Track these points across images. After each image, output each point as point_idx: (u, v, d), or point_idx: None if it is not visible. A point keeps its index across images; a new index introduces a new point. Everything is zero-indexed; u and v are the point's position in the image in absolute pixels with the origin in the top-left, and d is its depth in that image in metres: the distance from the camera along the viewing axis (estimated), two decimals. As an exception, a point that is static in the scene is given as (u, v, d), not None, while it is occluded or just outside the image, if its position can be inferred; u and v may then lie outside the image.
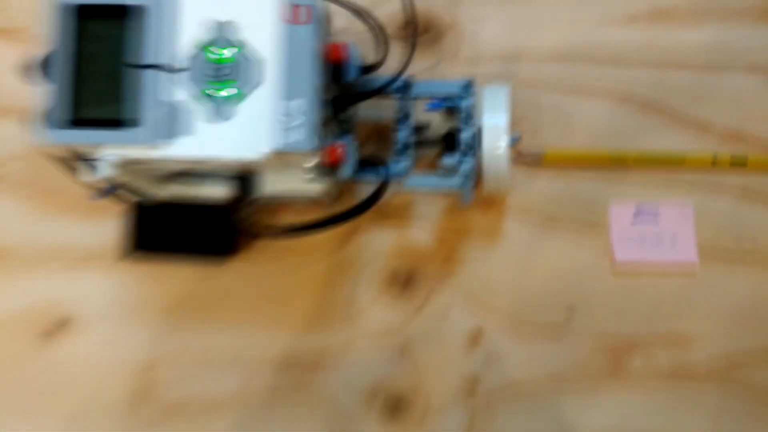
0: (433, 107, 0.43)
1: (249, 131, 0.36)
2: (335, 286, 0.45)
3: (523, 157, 0.46)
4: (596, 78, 0.47)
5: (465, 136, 0.42)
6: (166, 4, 0.36)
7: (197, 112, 0.36)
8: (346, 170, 0.40)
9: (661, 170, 0.46)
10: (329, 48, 0.38)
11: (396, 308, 0.45)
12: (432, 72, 0.47)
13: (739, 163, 0.46)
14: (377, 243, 0.46)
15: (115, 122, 0.35)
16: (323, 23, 0.38)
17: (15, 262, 0.45)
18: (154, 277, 0.45)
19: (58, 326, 0.45)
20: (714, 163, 0.46)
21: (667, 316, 0.45)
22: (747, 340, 0.45)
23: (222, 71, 0.36)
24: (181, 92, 0.36)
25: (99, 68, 0.36)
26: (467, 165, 0.41)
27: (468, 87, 0.42)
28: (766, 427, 0.44)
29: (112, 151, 0.36)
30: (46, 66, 0.36)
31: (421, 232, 0.46)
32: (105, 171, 0.36)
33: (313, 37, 0.36)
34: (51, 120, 0.35)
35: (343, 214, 0.41)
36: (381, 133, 0.46)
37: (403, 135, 0.42)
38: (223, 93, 0.36)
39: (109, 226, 0.45)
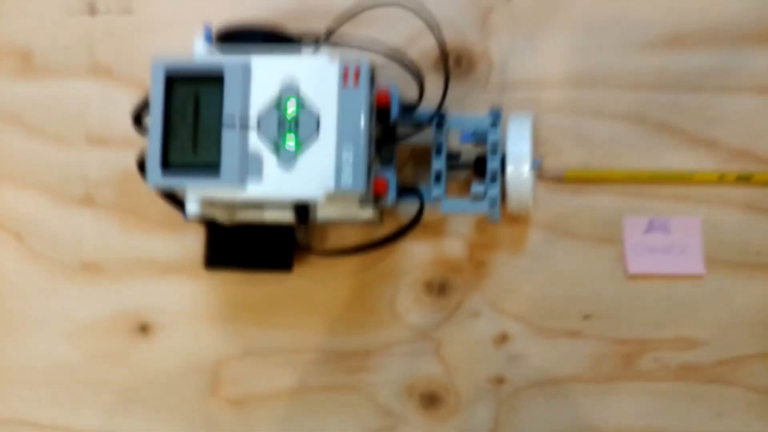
0: (465, 140, 0.48)
1: (309, 176, 0.43)
2: (377, 294, 0.51)
3: (546, 175, 0.51)
4: (614, 101, 0.51)
5: (492, 165, 0.47)
6: (240, 71, 0.42)
7: (266, 160, 0.43)
8: (389, 198, 0.46)
9: (672, 186, 0.50)
10: (376, 94, 0.44)
11: (430, 313, 0.51)
12: (464, 100, 0.52)
13: (744, 179, 0.49)
14: (415, 255, 0.51)
15: (200, 168, 0.42)
16: (372, 78, 0.43)
17: (105, 273, 0.52)
18: (222, 288, 0.52)
19: (141, 329, 0.52)
20: (721, 179, 0.50)
21: (676, 321, 0.50)
22: (750, 345, 0.49)
23: (286, 125, 0.43)
24: (253, 143, 0.43)
25: (186, 123, 0.43)
26: (494, 191, 0.47)
27: (495, 121, 0.47)
28: (766, 427, 0.48)
29: (197, 192, 0.43)
30: (138, 117, 0.44)
31: (453, 245, 0.51)
32: (192, 207, 0.43)
33: (363, 95, 0.42)
34: (150, 164, 0.43)
35: (387, 238, 0.47)
36: (418, 156, 0.52)
37: (437, 165, 0.48)
38: (288, 144, 0.43)
39: (185, 242, 0.52)
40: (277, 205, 0.46)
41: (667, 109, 0.51)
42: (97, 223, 0.52)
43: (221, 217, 0.46)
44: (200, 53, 0.44)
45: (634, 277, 0.50)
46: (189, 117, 0.43)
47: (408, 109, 0.48)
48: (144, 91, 0.51)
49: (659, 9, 0.51)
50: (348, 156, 0.42)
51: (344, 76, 0.43)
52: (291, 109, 0.43)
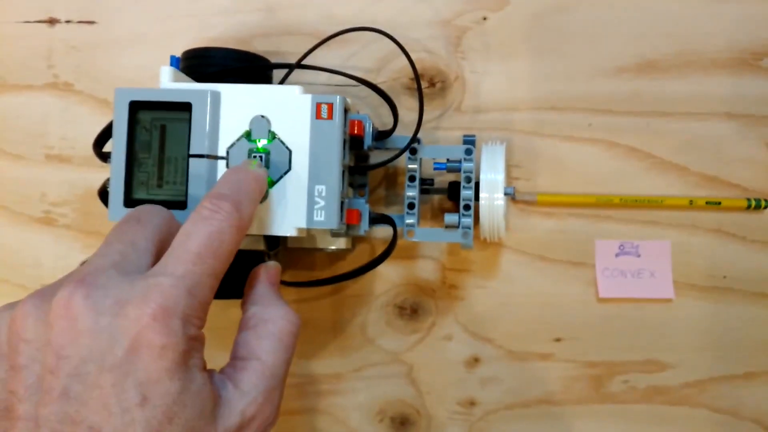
0: (438, 168, 0.47)
1: (280, 211, 0.41)
2: (349, 317, 0.51)
3: (519, 199, 0.51)
4: (586, 126, 0.51)
5: (465, 194, 0.46)
6: (209, 99, 0.40)
7: None
8: (362, 227, 0.45)
9: (643, 210, 0.51)
10: (350, 124, 0.43)
11: (402, 336, 0.51)
12: (437, 121, 0.51)
13: (713, 205, 0.50)
14: (387, 278, 0.51)
15: (166, 203, 0.40)
16: (345, 112, 0.42)
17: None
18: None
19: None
20: (690, 205, 0.50)
21: (645, 345, 0.50)
22: (715, 368, 0.50)
23: (256, 159, 0.41)
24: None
25: (151, 155, 0.40)
26: (467, 220, 0.46)
27: (468, 151, 0.47)
28: (730, 445, 0.50)
29: None
30: (99, 145, 0.42)
31: (425, 268, 0.51)
32: None
33: (336, 130, 0.41)
34: (112, 200, 0.40)
35: (359, 269, 0.46)
36: (390, 179, 0.51)
37: (410, 193, 0.47)
38: None
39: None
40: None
41: (638, 134, 0.51)
42: (56, 243, 0.51)
43: None
44: (167, 80, 0.42)
45: (605, 300, 0.50)
46: (154, 148, 0.40)
47: (382, 134, 0.47)
48: (107, 108, 0.49)
49: (631, 34, 0.51)
50: (321, 191, 0.41)
51: (317, 111, 0.41)
52: (262, 142, 0.41)
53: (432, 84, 0.51)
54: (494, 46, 0.51)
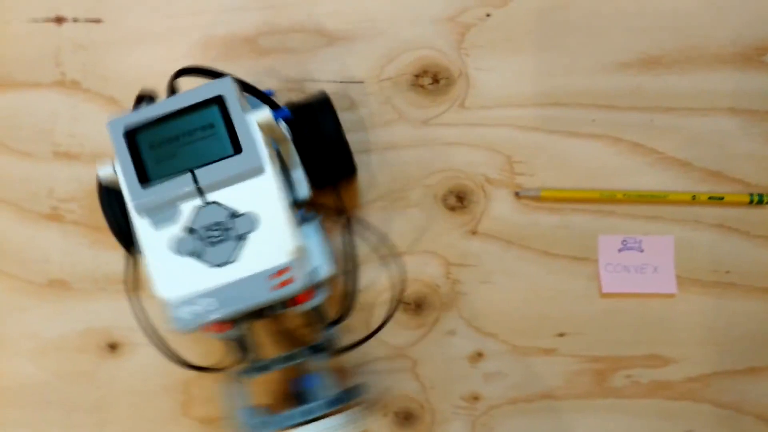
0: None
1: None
2: (355, 313, 0.51)
3: (523, 195, 0.51)
4: (590, 121, 0.51)
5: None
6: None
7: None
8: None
9: (646, 205, 0.51)
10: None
11: (406, 331, 0.51)
12: (442, 117, 0.51)
13: (716, 200, 0.50)
14: (392, 274, 0.51)
15: None
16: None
17: (73, 291, 0.51)
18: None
19: (110, 348, 0.51)
20: (694, 200, 0.50)
21: (648, 339, 0.50)
22: (719, 362, 0.50)
23: (215, 232, 0.40)
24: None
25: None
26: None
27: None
28: (733, 439, 0.50)
29: None
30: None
31: (429, 263, 0.51)
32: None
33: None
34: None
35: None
36: None
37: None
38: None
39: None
40: None
41: (641, 130, 0.51)
42: (64, 239, 0.51)
43: None
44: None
45: (608, 295, 0.51)
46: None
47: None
48: (114, 106, 0.50)
49: (634, 30, 0.51)
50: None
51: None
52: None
53: (436, 80, 0.51)
54: (498, 42, 0.51)
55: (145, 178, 0.40)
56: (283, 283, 0.40)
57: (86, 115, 0.51)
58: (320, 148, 0.45)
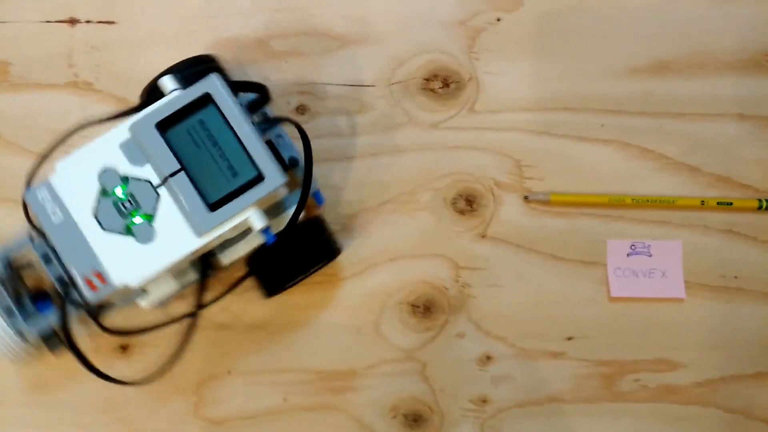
0: None
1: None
2: (362, 314, 0.51)
3: (532, 199, 0.51)
4: (599, 126, 0.52)
5: None
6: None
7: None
8: None
9: (655, 210, 0.51)
10: None
11: (415, 334, 0.51)
12: (452, 121, 0.52)
13: (725, 205, 0.51)
14: (400, 276, 0.51)
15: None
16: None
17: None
18: (204, 307, 0.51)
19: (122, 349, 0.51)
20: (702, 205, 0.51)
21: (656, 344, 0.51)
22: (727, 367, 0.50)
23: (125, 207, 0.42)
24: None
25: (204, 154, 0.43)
26: None
27: None
28: (741, 445, 0.50)
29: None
30: None
31: (438, 266, 0.51)
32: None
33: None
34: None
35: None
36: None
37: None
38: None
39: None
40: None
41: (650, 135, 0.51)
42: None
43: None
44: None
45: (617, 299, 0.51)
46: (204, 146, 0.43)
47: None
48: (127, 107, 0.50)
49: (643, 35, 0.52)
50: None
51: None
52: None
53: (446, 84, 0.52)
54: (508, 46, 0.52)
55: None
56: (93, 286, 0.42)
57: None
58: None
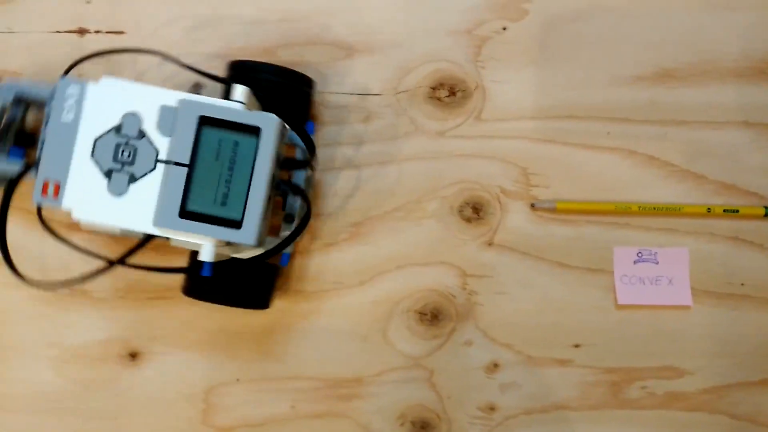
0: None
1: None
2: (370, 322, 0.51)
3: (538, 207, 0.51)
4: (605, 134, 0.52)
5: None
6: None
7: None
8: None
9: (661, 218, 0.51)
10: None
11: (423, 342, 0.51)
12: (459, 130, 0.52)
13: (731, 212, 0.51)
14: (408, 284, 0.51)
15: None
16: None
17: (94, 299, 0.51)
18: (214, 315, 0.51)
19: (131, 356, 0.51)
20: (708, 212, 0.51)
21: (663, 351, 0.51)
22: (734, 374, 0.51)
23: (121, 154, 0.43)
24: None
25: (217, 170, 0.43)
26: None
27: None
28: (748, 451, 0.50)
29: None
30: None
31: (446, 274, 0.51)
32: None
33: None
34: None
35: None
36: None
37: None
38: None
39: (172, 268, 0.51)
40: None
41: (655, 142, 0.52)
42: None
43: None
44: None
45: (623, 306, 0.51)
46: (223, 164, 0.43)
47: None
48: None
49: (648, 43, 0.52)
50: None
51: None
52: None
53: (452, 93, 0.52)
54: (514, 55, 0.52)
55: None
56: (45, 191, 0.43)
57: (107, 126, 0.52)
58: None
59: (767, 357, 0.51)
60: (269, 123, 0.42)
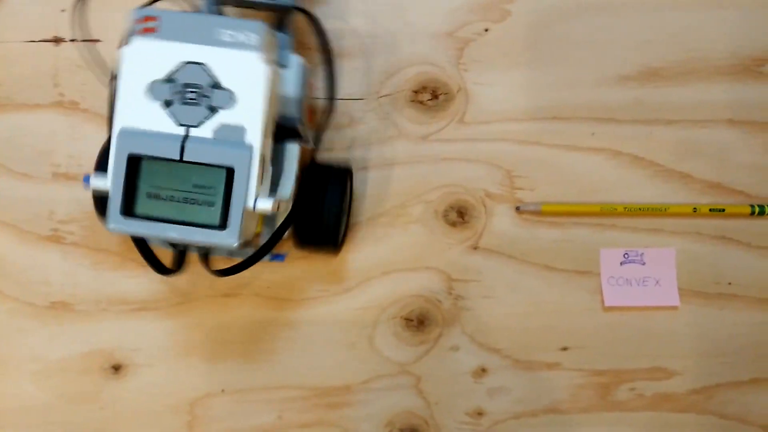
0: None
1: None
2: (356, 329, 0.51)
3: (524, 210, 0.51)
4: (589, 134, 0.51)
5: None
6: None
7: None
8: None
9: (647, 218, 0.51)
10: None
11: (410, 348, 0.51)
12: (442, 133, 0.51)
13: (717, 212, 0.50)
14: (393, 290, 0.51)
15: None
16: None
17: (75, 312, 0.51)
18: (197, 324, 0.51)
19: (114, 369, 0.51)
20: (695, 212, 0.50)
21: (651, 352, 0.51)
22: (722, 374, 0.50)
23: (194, 94, 0.39)
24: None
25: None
26: None
27: None
28: (737, 451, 0.50)
29: None
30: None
31: (431, 279, 0.51)
32: None
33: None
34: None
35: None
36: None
37: None
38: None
39: (157, 278, 0.51)
40: None
41: (641, 142, 0.51)
42: (65, 261, 0.51)
43: None
44: None
45: (611, 308, 0.51)
46: None
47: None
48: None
49: (633, 43, 0.51)
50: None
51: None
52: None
53: (435, 96, 0.51)
54: (496, 57, 0.51)
55: None
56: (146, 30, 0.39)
57: (85, 136, 0.51)
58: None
59: (756, 356, 0.50)
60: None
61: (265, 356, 0.51)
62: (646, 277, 0.51)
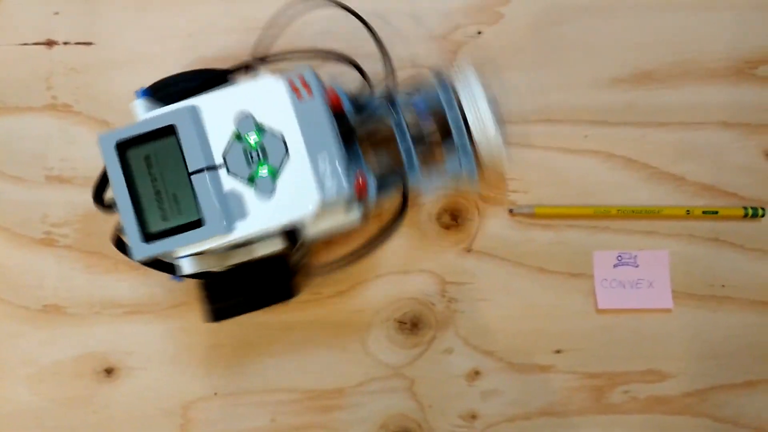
0: (418, 107, 0.47)
1: (292, 197, 0.41)
2: (349, 332, 0.51)
3: (517, 212, 0.51)
4: (583, 137, 0.51)
5: (451, 116, 0.46)
6: (189, 115, 0.40)
7: (245, 195, 0.41)
8: (371, 193, 0.45)
9: (641, 221, 0.51)
10: (329, 97, 0.43)
11: (403, 351, 0.51)
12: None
13: (710, 214, 0.50)
14: (386, 292, 0.51)
15: (182, 228, 0.40)
16: (318, 80, 0.42)
17: (68, 316, 0.51)
18: (190, 328, 0.51)
19: (107, 372, 0.51)
20: (688, 214, 0.50)
21: (645, 355, 0.50)
22: (716, 376, 0.50)
23: (254, 155, 0.41)
24: (227, 183, 0.41)
25: (154, 187, 0.40)
26: (463, 141, 0.46)
27: (440, 78, 0.47)
28: (731, 453, 0.50)
29: (187, 251, 0.41)
30: (99, 195, 0.43)
31: (425, 282, 0.51)
32: (186, 266, 0.43)
33: (320, 102, 0.41)
34: (131, 240, 0.40)
35: (383, 231, 0.47)
36: (375, 146, 0.51)
37: (404, 145, 0.47)
38: (261, 173, 0.41)
39: (150, 282, 0.51)
40: (265, 236, 0.44)
41: (634, 145, 0.51)
42: (58, 264, 0.51)
43: (214, 266, 0.45)
44: (142, 111, 0.43)
45: (604, 311, 0.51)
46: (153, 180, 0.40)
47: (359, 105, 0.47)
48: (106, 128, 0.50)
49: (627, 45, 0.51)
50: (324, 164, 0.41)
51: (294, 90, 0.41)
52: (252, 137, 0.41)
53: (428, 99, 0.51)
54: (489, 59, 0.51)
55: None
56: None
57: (78, 138, 0.51)
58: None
59: (749, 358, 0.50)
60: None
61: (258, 359, 0.50)
62: (639, 280, 0.51)
